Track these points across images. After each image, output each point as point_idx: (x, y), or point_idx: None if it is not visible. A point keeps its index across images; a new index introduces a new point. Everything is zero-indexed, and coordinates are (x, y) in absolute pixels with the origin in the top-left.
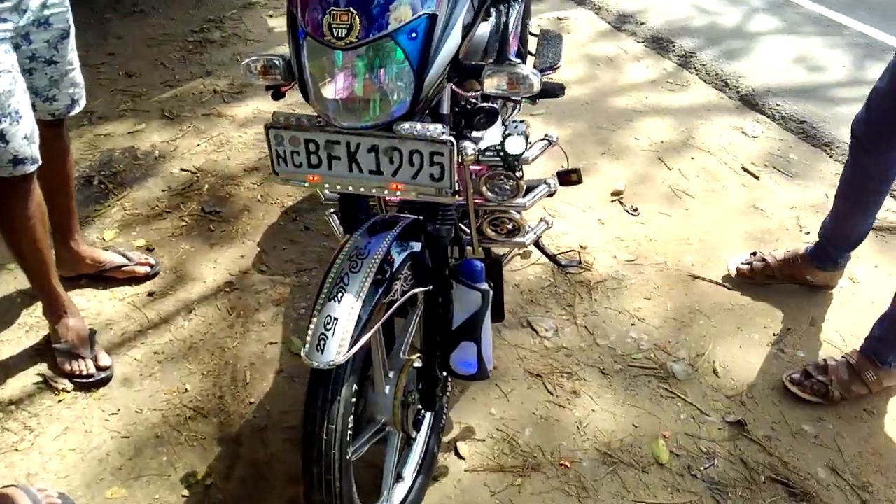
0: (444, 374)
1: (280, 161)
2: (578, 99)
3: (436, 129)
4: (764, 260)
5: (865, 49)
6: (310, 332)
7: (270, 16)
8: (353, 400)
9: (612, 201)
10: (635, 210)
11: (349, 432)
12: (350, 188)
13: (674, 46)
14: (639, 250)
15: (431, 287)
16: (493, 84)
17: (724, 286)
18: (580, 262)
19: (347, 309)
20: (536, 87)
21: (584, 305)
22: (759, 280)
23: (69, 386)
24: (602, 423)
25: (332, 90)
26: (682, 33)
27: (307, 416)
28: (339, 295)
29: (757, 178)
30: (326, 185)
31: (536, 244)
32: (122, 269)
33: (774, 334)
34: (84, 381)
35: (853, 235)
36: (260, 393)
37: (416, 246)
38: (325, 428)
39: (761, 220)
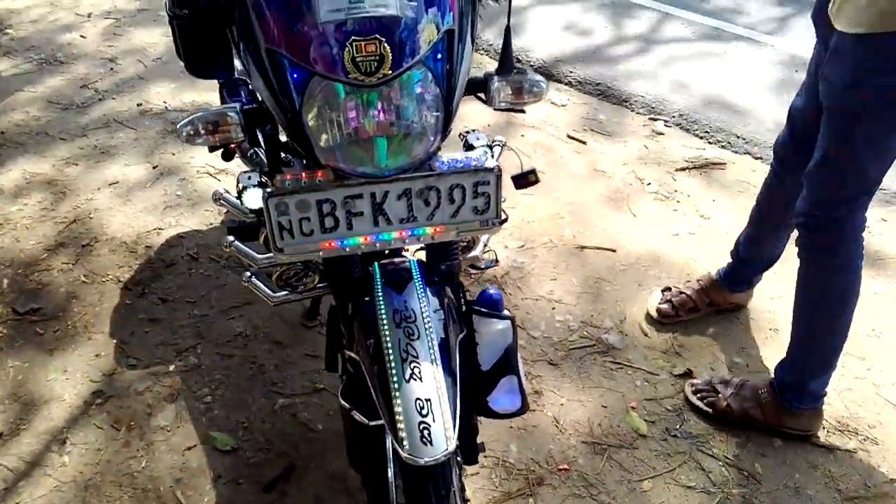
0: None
1: (284, 234)
2: None
3: (479, 158)
4: (682, 293)
5: (615, 8)
6: (401, 427)
7: None
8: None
9: None
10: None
11: None
12: (377, 245)
13: None
14: (523, 234)
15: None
16: (503, 96)
17: (608, 250)
18: (496, 260)
19: (433, 384)
20: (545, 94)
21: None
22: (684, 316)
23: None
24: (575, 414)
25: (355, 135)
26: None
27: None
28: (416, 371)
29: (584, 143)
30: (347, 249)
31: None
32: None
33: (667, 282)
34: None
35: (773, 255)
36: None
37: (437, 289)
38: None
39: (606, 180)
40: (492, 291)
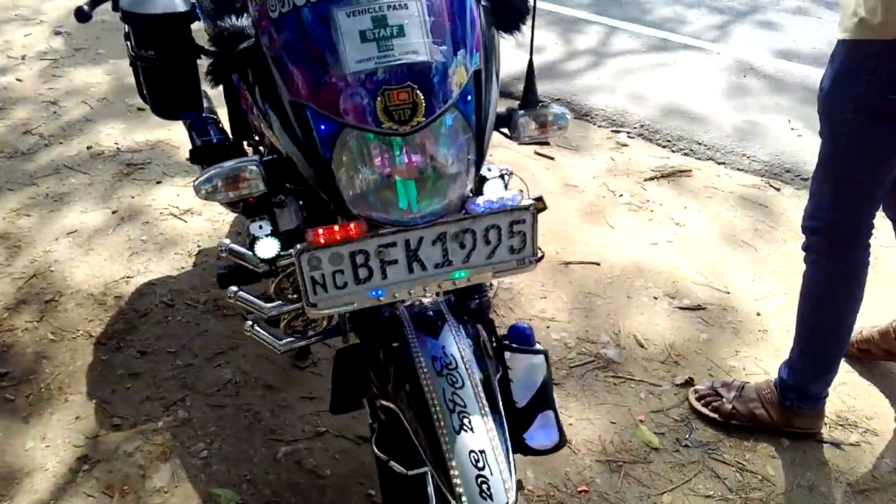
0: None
1: (317, 289)
2: None
3: (514, 197)
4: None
5: (563, 24)
6: (458, 483)
7: None
8: None
9: None
10: None
11: None
12: (412, 292)
13: None
14: None
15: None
16: (528, 130)
17: (593, 263)
18: (491, 284)
19: (485, 434)
20: (569, 125)
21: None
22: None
23: None
24: (585, 433)
25: (388, 183)
26: None
27: None
28: (465, 421)
29: (552, 158)
30: (381, 299)
31: None
32: None
33: (655, 292)
34: None
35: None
36: None
37: (469, 329)
38: None
39: (579, 194)
40: (523, 325)
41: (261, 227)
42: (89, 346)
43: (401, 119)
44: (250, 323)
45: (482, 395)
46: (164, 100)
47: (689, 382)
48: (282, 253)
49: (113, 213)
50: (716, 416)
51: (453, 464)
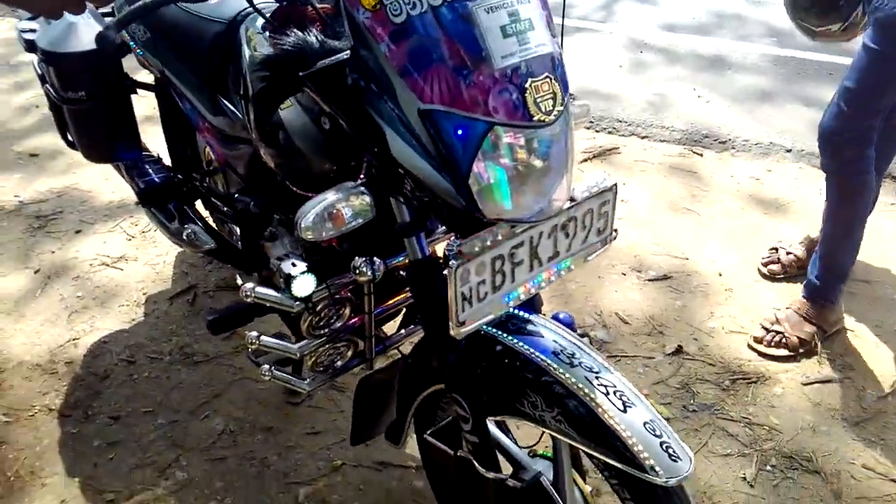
0: None
1: (465, 305)
2: None
3: (602, 179)
4: (789, 253)
5: None
6: (645, 456)
7: None
8: None
9: None
10: None
11: None
12: (532, 290)
13: None
14: None
15: None
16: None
17: None
18: None
19: (644, 405)
20: (588, 117)
21: None
22: (793, 272)
23: None
24: None
25: (530, 179)
26: None
27: None
28: (624, 399)
29: None
30: (510, 304)
31: None
32: None
33: (622, 269)
34: None
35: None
36: None
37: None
38: None
39: None
40: (565, 314)
41: (294, 264)
42: (52, 421)
43: (546, 110)
44: (267, 367)
45: (617, 371)
46: (99, 143)
47: (679, 350)
48: (316, 289)
49: (35, 272)
50: (785, 351)
51: (633, 440)
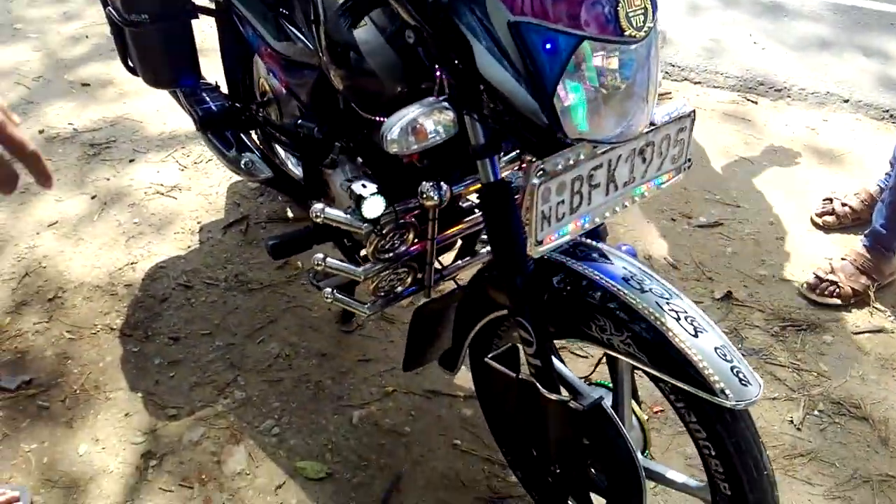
0: None
1: (544, 224)
2: None
3: (681, 105)
4: (844, 205)
5: None
6: (716, 380)
7: None
8: None
9: None
10: None
11: None
12: (607, 215)
13: None
14: None
15: None
16: None
17: None
18: None
19: (715, 331)
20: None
21: None
22: (848, 224)
23: None
24: None
25: (616, 97)
26: None
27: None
28: (695, 325)
29: None
30: (586, 226)
31: None
32: None
33: (671, 214)
34: None
35: None
36: None
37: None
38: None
39: None
40: (628, 245)
41: (364, 185)
42: (114, 340)
43: (637, 25)
44: (329, 290)
45: (687, 297)
46: (161, 68)
47: (728, 296)
48: (384, 211)
49: (92, 198)
50: (838, 301)
51: (704, 364)
